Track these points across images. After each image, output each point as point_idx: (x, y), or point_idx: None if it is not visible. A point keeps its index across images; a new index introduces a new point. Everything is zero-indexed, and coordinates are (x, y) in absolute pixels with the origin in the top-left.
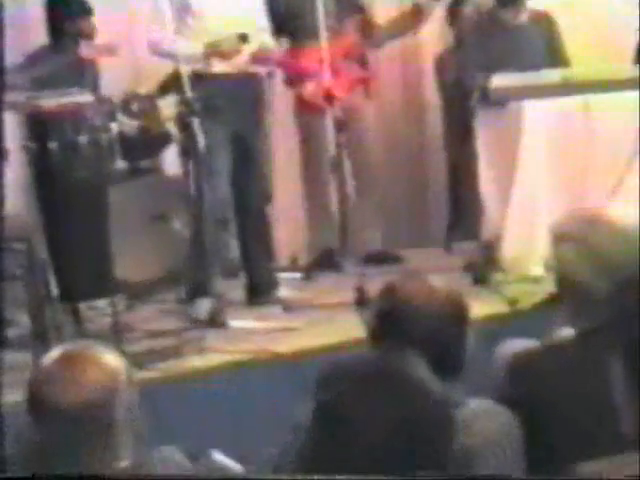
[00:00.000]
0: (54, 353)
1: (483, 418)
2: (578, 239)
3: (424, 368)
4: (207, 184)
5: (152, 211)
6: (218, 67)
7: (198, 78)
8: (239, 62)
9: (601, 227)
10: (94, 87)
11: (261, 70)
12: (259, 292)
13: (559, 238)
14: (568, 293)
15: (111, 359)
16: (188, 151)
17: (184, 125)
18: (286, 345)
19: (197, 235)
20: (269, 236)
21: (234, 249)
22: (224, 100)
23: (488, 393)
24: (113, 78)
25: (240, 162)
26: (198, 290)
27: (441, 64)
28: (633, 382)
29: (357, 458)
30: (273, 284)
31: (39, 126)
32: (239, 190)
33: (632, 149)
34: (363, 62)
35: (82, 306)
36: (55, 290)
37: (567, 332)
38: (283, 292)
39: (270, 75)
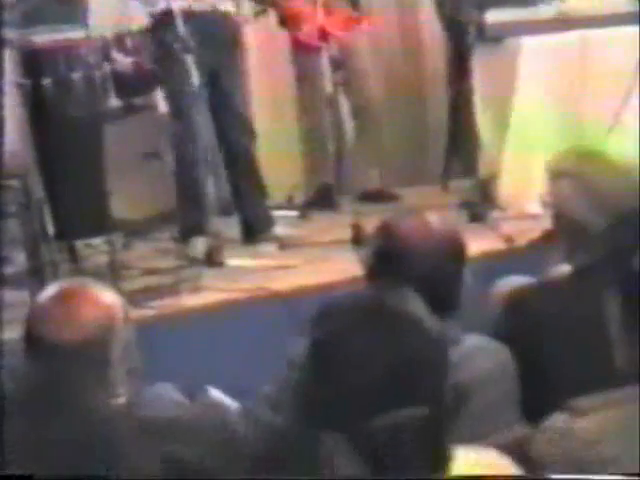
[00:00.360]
0: (50, 290)
1: (478, 355)
2: (575, 175)
3: (421, 305)
4: (196, 123)
5: (146, 148)
6: (193, 5)
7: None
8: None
9: (598, 163)
10: (84, 22)
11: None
12: (255, 231)
13: (556, 175)
14: (565, 230)
15: (107, 296)
16: (174, 89)
17: (173, 62)
18: (283, 283)
19: (188, 174)
20: (259, 174)
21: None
22: (199, 38)
23: (484, 330)
24: (101, 13)
25: (218, 100)
26: (193, 229)
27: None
28: (629, 317)
29: (352, 394)
30: (268, 222)
31: (32, 63)
32: (221, 129)
33: (628, 85)
34: (355, 3)
35: (78, 244)
36: (51, 228)
37: (563, 269)
38: (279, 230)
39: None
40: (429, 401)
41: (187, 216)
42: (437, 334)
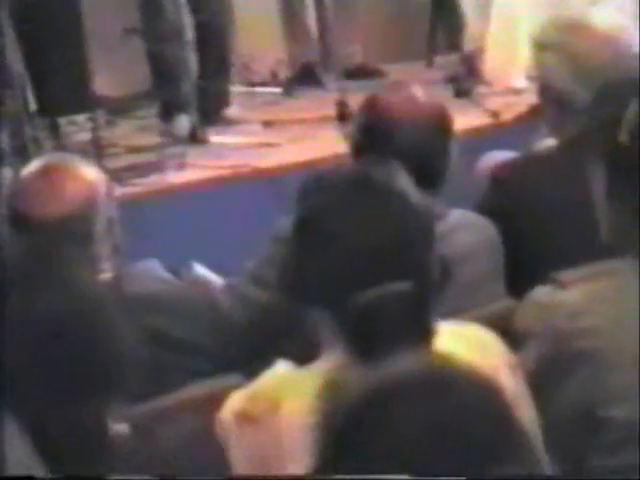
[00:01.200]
0: (33, 166)
1: (464, 229)
2: (559, 47)
3: (407, 180)
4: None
5: (126, 24)
6: None
7: None
8: None
9: (582, 34)
10: None
11: None
12: (210, 112)
13: (540, 47)
14: (550, 103)
15: (90, 172)
16: None
17: None
18: (267, 161)
19: (159, 50)
20: (227, 54)
21: None
22: None
23: (470, 205)
24: None
25: None
26: (171, 107)
27: None
28: (614, 188)
29: (338, 269)
30: (224, 103)
31: None
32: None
33: None
34: None
35: (61, 121)
36: (33, 104)
37: (549, 142)
38: (232, 111)
39: None
40: (414, 275)
41: (164, 94)
42: (423, 208)
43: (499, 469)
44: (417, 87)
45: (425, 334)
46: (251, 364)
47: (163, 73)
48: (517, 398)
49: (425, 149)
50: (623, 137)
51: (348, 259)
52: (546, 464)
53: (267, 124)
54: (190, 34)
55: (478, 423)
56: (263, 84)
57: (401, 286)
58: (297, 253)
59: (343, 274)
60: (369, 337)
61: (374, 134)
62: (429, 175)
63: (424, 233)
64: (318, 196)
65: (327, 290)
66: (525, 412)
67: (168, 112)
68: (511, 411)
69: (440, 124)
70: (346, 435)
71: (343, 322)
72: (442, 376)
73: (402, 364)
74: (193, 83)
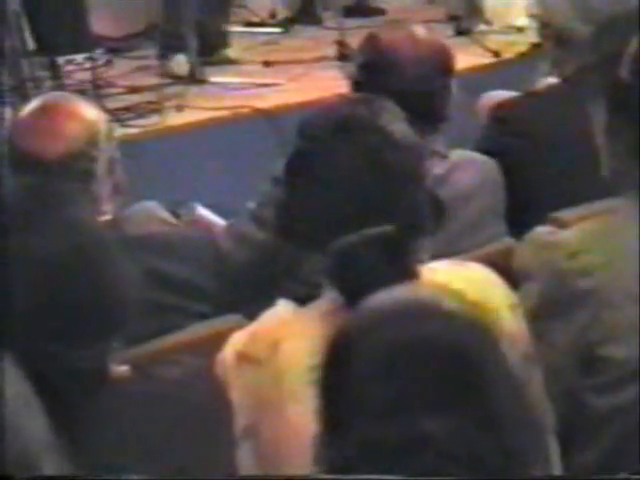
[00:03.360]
0: (33, 104)
1: (465, 168)
2: None
3: (396, 116)
4: None
5: None
6: None
7: None
8: None
9: None
10: None
11: None
12: (209, 52)
13: None
14: (550, 40)
15: (90, 111)
16: None
17: None
18: (267, 101)
19: None
20: None
21: None
22: None
23: (470, 144)
24: None
25: None
26: (172, 47)
27: None
28: (615, 125)
29: (327, 210)
30: (223, 43)
31: None
32: None
33: None
34: None
35: (60, 60)
36: (32, 43)
37: (550, 80)
38: (232, 52)
39: None
40: (399, 215)
41: (167, 32)
42: (410, 146)
43: (462, 407)
44: (418, 25)
45: (407, 276)
46: (252, 305)
47: (169, 10)
48: (516, 337)
49: (426, 88)
50: (623, 73)
51: (333, 200)
52: (535, 406)
53: (266, 64)
54: None
55: (446, 358)
56: (262, 24)
57: (381, 229)
58: (288, 196)
59: (329, 216)
60: (351, 279)
61: (374, 72)
62: (430, 114)
63: (410, 171)
64: (303, 138)
65: (316, 232)
66: (524, 351)
67: (166, 52)
68: (489, 354)
69: (441, 63)
70: (329, 369)
71: (335, 265)
72: (414, 308)
73: (379, 298)
74: (192, 23)
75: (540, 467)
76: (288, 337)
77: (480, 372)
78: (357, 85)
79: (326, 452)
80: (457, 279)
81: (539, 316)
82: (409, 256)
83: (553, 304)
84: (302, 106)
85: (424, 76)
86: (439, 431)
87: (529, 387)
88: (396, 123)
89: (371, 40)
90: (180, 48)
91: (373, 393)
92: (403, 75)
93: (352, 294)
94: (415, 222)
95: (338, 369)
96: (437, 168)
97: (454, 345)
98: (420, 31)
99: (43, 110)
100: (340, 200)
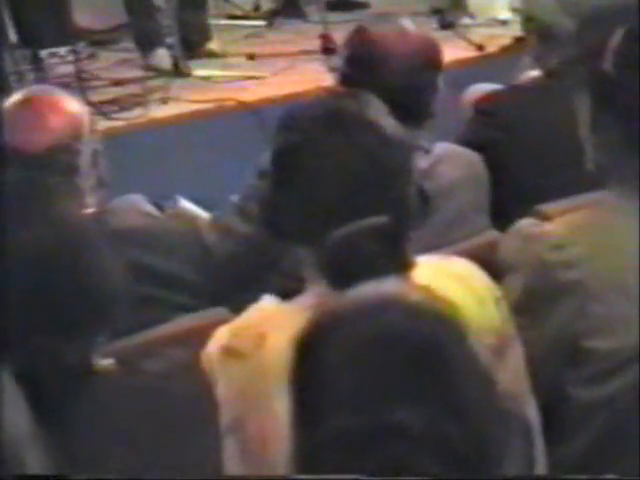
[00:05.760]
0: (16, 97)
1: (449, 162)
2: None
3: (382, 111)
4: None
5: None
6: None
7: None
8: None
9: None
10: None
11: None
12: (193, 46)
13: None
14: (534, 34)
15: (73, 104)
16: None
17: None
18: (251, 94)
19: None
20: None
21: None
22: None
23: (454, 137)
24: None
25: None
26: (150, 41)
27: None
28: (598, 118)
29: (314, 203)
30: (205, 36)
31: None
32: None
33: None
34: None
35: (43, 54)
36: (14, 36)
37: (534, 74)
38: (215, 45)
39: None
40: (391, 208)
41: (139, 26)
42: (398, 140)
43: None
44: (407, 19)
45: (401, 268)
46: (236, 298)
47: (137, 7)
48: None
49: (413, 83)
50: (606, 66)
51: (323, 194)
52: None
53: (251, 57)
54: None
55: (415, 351)
56: (246, 17)
57: (376, 220)
58: (275, 189)
59: (319, 209)
60: (345, 272)
61: (362, 66)
62: (416, 109)
63: (400, 165)
64: (290, 131)
65: (305, 226)
66: (505, 344)
67: (145, 46)
68: (458, 348)
69: (430, 58)
70: (301, 360)
71: (321, 258)
72: (385, 302)
73: (361, 291)
74: (172, 16)
75: (518, 462)
76: (273, 331)
77: (448, 365)
78: (343, 79)
79: (298, 442)
80: (440, 274)
81: (523, 309)
82: (404, 247)
83: (537, 296)
84: (287, 99)
85: (412, 71)
86: (411, 420)
87: (503, 381)
88: (384, 117)
89: (359, 33)
90: (158, 42)
91: (343, 383)
92: (391, 70)
93: (346, 286)
94: (405, 215)
95: (310, 359)
96: (421, 162)
97: (423, 339)
98: (409, 25)
99: (26, 103)
100: (329, 193)
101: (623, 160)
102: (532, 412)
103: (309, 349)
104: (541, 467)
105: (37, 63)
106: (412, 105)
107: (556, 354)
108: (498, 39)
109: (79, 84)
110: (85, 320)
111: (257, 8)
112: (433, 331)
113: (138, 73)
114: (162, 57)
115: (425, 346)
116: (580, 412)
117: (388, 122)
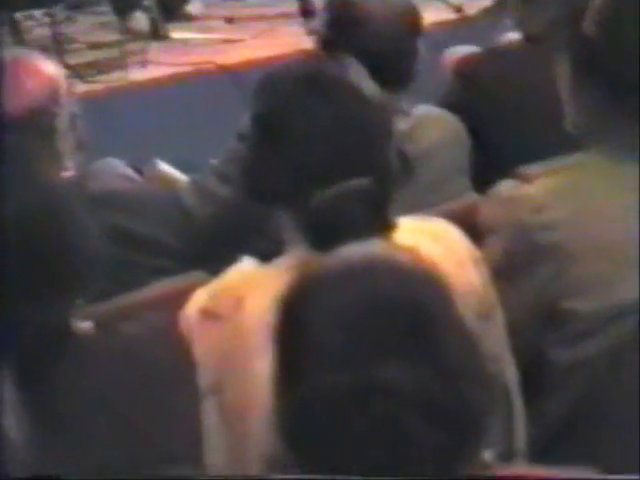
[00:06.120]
0: None
1: (429, 125)
2: None
3: (362, 74)
4: None
5: None
6: None
7: None
8: None
9: None
10: None
11: None
12: (171, 9)
13: None
14: None
15: (50, 66)
16: None
17: None
18: (230, 57)
19: None
20: None
21: None
22: None
23: (435, 101)
24: None
25: None
26: (126, 4)
27: None
28: (579, 80)
29: (294, 167)
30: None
31: None
32: None
33: None
34: None
35: (19, 16)
36: None
37: (513, 36)
38: (194, 7)
39: None
40: (372, 171)
41: None
42: (378, 102)
43: (418, 358)
44: None
45: (383, 229)
46: (215, 261)
47: None
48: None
49: (393, 47)
50: (588, 28)
51: (303, 156)
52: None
53: (229, 20)
54: None
55: (400, 311)
56: None
57: (358, 183)
58: (255, 152)
59: (299, 172)
60: (327, 234)
61: (342, 30)
62: (396, 72)
63: (380, 127)
64: (270, 94)
65: (285, 189)
66: (486, 306)
67: (122, 9)
68: (443, 308)
69: (410, 22)
70: (284, 319)
71: (302, 220)
72: (370, 262)
73: (346, 251)
74: None
75: (500, 423)
76: (252, 293)
77: (436, 326)
78: (323, 42)
79: (282, 401)
80: (421, 235)
81: (503, 270)
82: (387, 209)
83: (517, 258)
84: (266, 62)
85: (392, 34)
86: (398, 379)
87: (486, 343)
88: (364, 80)
89: None
90: (134, 5)
91: (330, 342)
92: (371, 33)
93: (329, 248)
94: (387, 177)
95: (295, 319)
96: (402, 124)
97: (410, 299)
98: None
99: (3, 67)
100: (309, 156)
101: (603, 122)
102: (512, 376)
103: (294, 308)
104: (520, 432)
105: (13, 26)
106: (392, 68)
107: (535, 316)
108: (478, 1)
109: (56, 47)
110: (64, 283)
111: None
112: (421, 291)
113: (116, 36)
114: (140, 20)
115: (413, 306)
116: (559, 373)
117: (368, 85)
